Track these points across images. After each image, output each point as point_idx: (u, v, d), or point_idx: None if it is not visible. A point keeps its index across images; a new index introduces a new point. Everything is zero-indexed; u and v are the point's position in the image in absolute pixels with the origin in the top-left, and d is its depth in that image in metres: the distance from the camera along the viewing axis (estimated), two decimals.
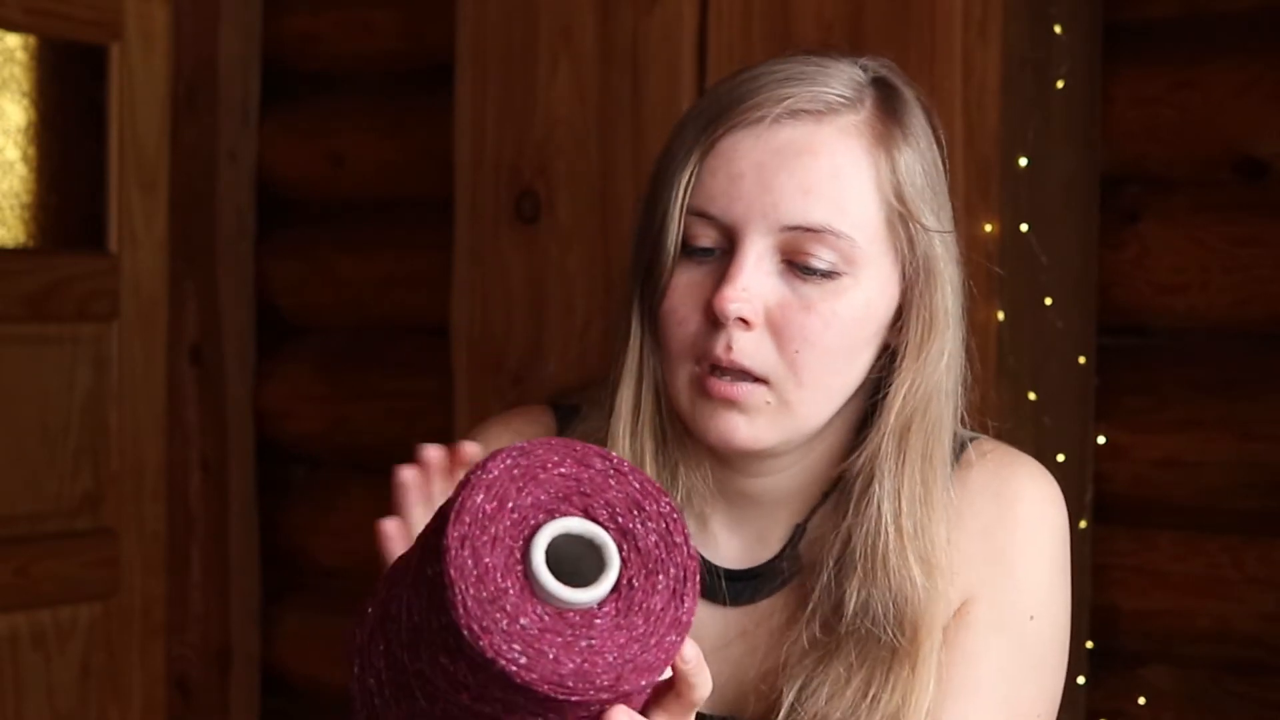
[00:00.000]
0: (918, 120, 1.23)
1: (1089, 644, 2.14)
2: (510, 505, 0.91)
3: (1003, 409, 1.91)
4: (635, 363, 1.24)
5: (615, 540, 0.92)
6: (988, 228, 1.89)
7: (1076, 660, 2.10)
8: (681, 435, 1.27)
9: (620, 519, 0.92)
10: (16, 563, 2.69)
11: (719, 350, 1.17)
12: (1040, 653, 1.24)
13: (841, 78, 1.20)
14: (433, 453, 1.18)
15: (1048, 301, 2.01)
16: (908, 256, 1.20)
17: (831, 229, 1.16)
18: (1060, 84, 2.02)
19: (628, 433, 1.24)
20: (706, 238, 1.19)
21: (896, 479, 1.21)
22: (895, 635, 1.18)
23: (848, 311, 1.18)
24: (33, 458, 2.70)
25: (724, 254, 1.18)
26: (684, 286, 1.19)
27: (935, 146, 1.25)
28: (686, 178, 1.19)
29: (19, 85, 2.71)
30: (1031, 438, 1.96)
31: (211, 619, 2.87)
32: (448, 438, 2.32)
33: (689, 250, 1.20)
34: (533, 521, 0.91)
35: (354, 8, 2.77)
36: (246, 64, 2.87)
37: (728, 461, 1.26)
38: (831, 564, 1.22)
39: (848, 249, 1.17)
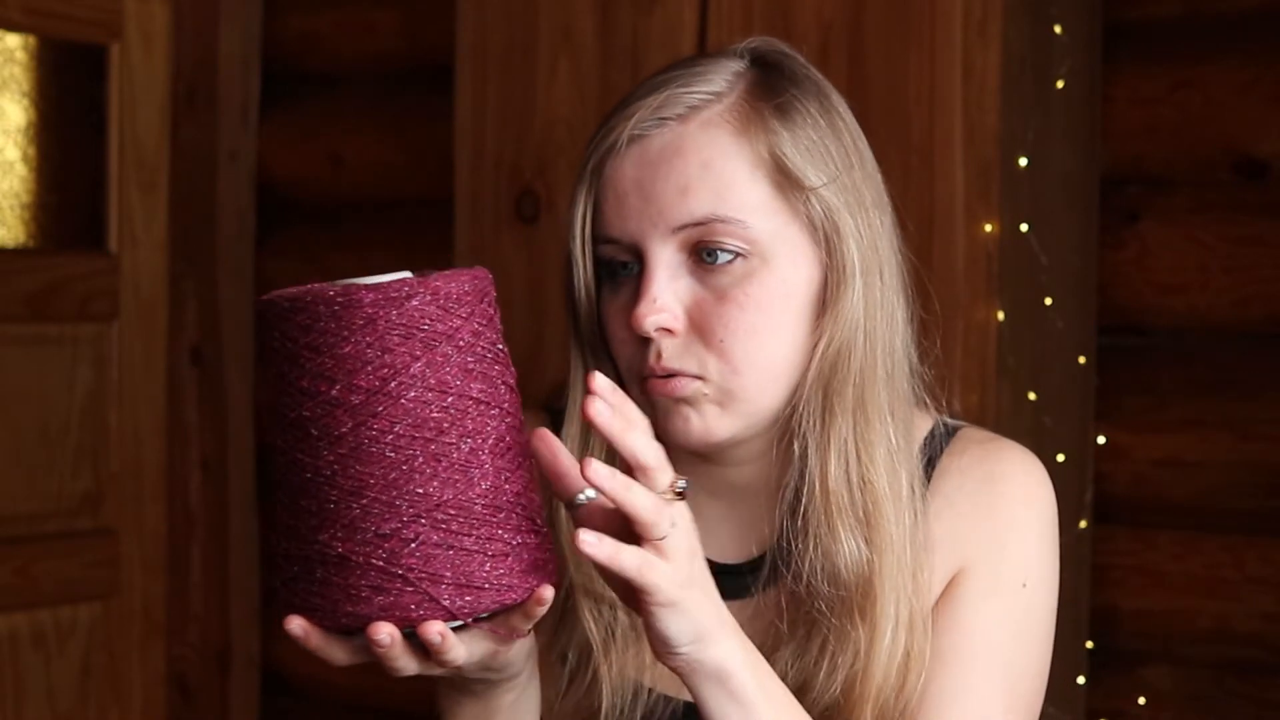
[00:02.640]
0: (801, 91, 1.24)
1: (1089, 644, 2.14)
2: None
3: (1002, 409, 1.91)
4: (579, 403, 1.27)
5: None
6: (988, 228, 1.89)
7: (1076, 660, 2.10)
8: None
9: None
10: (16, 563, 2.69)
11: (650, 361, 1.21)
12: (1033, 619, 1.26)
13: (711, 75, 1.23)
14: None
15: (1048, 301, 2.01)
16: (811, 224, 1.22)
17: (717, 216, 1.19)
18: (1060, 84, 2.02)
19: None
20: (621, 255, 1.23)
21: (821, 441, 1.22)
22: (838, 596, 1.20)
23: (762, 291, 1.20)
24: (33, 458, 2.70)
25: (640, 269, 1.22)
26: (616, 310, 1.24)
27: (832, 113, 1.25)
28: (580, 213, 1.24)
29: (19, 85, 2.71)
30: (1031, 438, 1.96)
31: (211, 619, 2.87)
32: None
33: (613, 273, 1.24)
34: None
35: (354, 8, 2.77)
36: (246, 64, 2.87)
37: (706, 456, 1.27)
38: (777, 537, 1.24)
39: (741, 232, 1.20)
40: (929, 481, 1.26)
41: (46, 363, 2.71)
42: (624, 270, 1.23)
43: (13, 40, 2.69)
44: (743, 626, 1.27)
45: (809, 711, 1.18)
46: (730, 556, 1.29)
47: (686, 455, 1.28)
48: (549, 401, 1.41)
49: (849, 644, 1.20)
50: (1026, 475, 1.27)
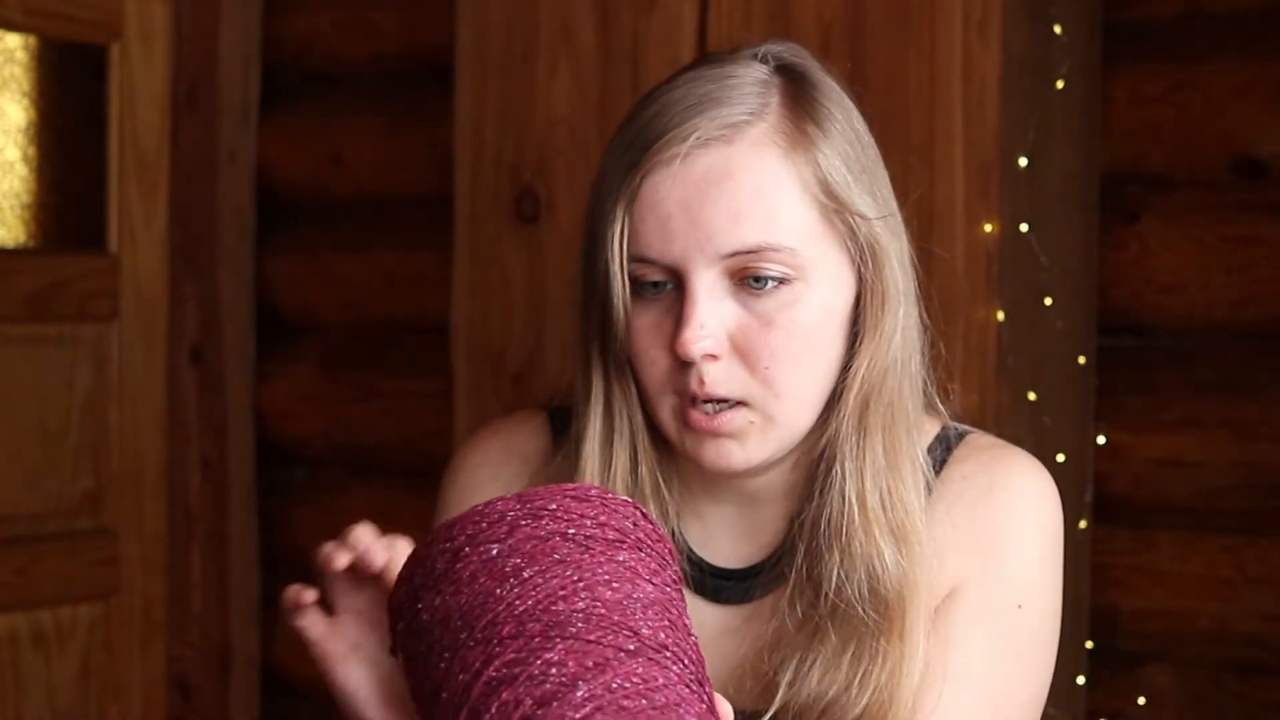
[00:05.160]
0: (830, 103, 1.23)
1: (1089, 644, 2.14)
2: None
3: (1002, 409, 1.91)
4: (600, 412, 1.26)
5: None
6: (988, 228, 1.89)
7: (1076, 660, 2.10)
8: (668, 455, 1.28)
9: None
10: (16, 563, 2.69)
11: (693, 386, 1.19)
12: (1026, 642, 1.24)
13: (745, 86, 1.20)
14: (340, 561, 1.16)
15: (1048, 301, 2.01)
16: (852, 246, 1.21)
17: (769, 245, 1.17)
18: (1060, 84, 2.02)
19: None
20: (655, 274, 1.20)
21: (858, 458, 1.22)
22: (875, 611, 1.19)
23: (806, 316, 1.19)
24: (33, 458, 2.70)
25: (675, 288, 1.20)
26: (646, 328, 1.21)
27: (855, 123, 1.24)
28: (618, 229, 1.20)
29: (19, 85, 2.71)
30: (1031, 438, 1.96)
31: (211, 619, 2.87)
32: (448, 438, 2.32)
33: (641, 289, 1.21)
34: None
35: (354, 8, 2.77)
36: (246, 64, 2.87)
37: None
38: (803, 549, 1.23)
39: (790, 258, 1.18)
40: (933, 488, 1.25)
41: (46, 363, 2.71)
42: (654, 289, 1.21)
43: (13, 40, 2.69)
44: (738, 630, 1.27)
45: None
46: (733, 561, 1.29)
47: (703, 472, 1.28)
48: (550, 404, 1.40)
49: (886, 659, 1.19)
50: (1030, 488, 1.25)
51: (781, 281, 1.18)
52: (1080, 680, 2.11)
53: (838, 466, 1.22)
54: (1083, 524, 2.11)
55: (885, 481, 1.22)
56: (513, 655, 0.91)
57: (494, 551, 0.98)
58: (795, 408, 1.20)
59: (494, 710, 0.89)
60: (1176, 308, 2.11)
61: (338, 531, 1.19)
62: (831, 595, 1.20)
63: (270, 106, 2.89)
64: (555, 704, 0.88)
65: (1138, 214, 2.13)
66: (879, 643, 1.19)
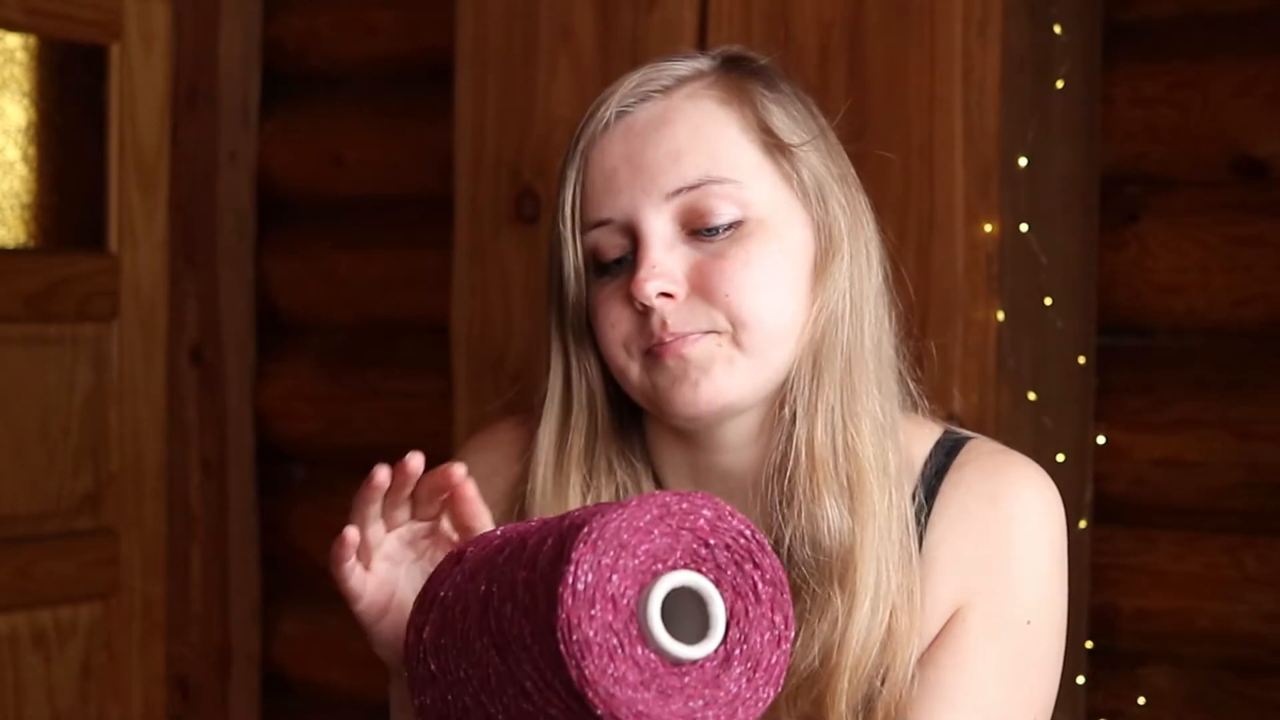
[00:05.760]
0: (772, 75, 1.26)
1: (1089, 644, 2.14)
2: (634, 551, 0.92)
3: (1002, 409, 1.91)
4: (558, 394, 1.27)
5: (725, 598, 0.94)
6: (988, 228, 1.89)
7: (1076, 660, 2.10)
8: (640, 437, 1.29)
9: (730, 572, 0.95)
10: (16, 563, 2.69)
11: (657, 330, 1.19)
12: (1036, 656, 1.23)
13: (688, 62, 1.25)
14: (415, 462, 1.20)
15: (1048, 301, 2.01)
16: (803, 191, 1.23)
17: (711, 178, 1.19)
18: (1060, 84, 2.02)
19: (551, 465, 1.28)
20: (614, 248, 1.22)
21: (809, 405, 1.21)
22: (818, 562, 1.19)
23: (762, 250, 1.20)
24: (33, 458, 2.70)
25: (635, 253, 1.21)
26: (607, 296, 1.22)
27: (799, 94, 1.27)
28: (570, 197, 1.23)
29: (19, 85, 2.71)
30: (1031, 438, 1.96)
31: (211, 619, 2.87)
32: (447, 438, 2.33)
33: (603, 268, 1.23)
34: (651, 570, 0.93)
35: (354, 8, 2.77)
36: (246, 64, 2.87)
37: (694, 440, 1.26)
38: (759, 501, 1.23)
39: (736, 193, 1.20)
40: (935, 496, 1.24)
41: (46, 363, 2.71)
42: (616, 265, 1.22)
43: (13, 40, 2.69)
44: None
45: (786, 683, 1.17)
46: None
47: (679, 446, 1.28)
48: None
49: (827, 611, 1.18)
50: (1036, 499, 1.24)
51: (732, 224, 1.20)
52: (1080, 680, 2.11)
53: (787, 410, 1.22)
54: (1083, 524, 2.11)
55: (839, 433, 1.21)
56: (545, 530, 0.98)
57: (499, 531, 1.05)
58: (763, 339, 1.20)
59: (546, 551, 0.94)
60: (1176, 308, 2.12)
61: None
62: (784, 549, 1.20)
63: (270, 106, 2.89)
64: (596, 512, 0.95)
65: (1138, 214, 2.13)
66: (822, 594, 1.18)
